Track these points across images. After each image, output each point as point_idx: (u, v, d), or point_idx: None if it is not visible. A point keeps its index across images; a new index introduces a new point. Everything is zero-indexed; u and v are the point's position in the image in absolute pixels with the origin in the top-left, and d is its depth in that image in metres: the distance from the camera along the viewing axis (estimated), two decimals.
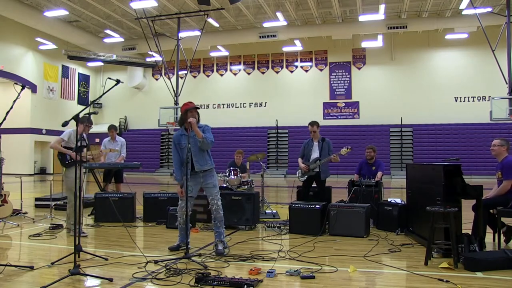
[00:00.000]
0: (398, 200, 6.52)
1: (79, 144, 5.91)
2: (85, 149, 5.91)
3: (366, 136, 22.80)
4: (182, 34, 20.67)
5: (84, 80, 28.48)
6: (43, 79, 24.86)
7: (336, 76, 25.17)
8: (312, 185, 7.05)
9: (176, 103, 20.31)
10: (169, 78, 20.40)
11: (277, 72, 26.27)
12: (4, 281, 3.74)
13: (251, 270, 3.95)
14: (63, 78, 26.51)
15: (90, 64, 26.88)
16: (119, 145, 8.43)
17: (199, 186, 5.04)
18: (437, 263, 4.34)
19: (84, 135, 6.17)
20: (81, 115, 4.36)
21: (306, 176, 6.90)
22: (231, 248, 5.04)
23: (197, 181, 4.98)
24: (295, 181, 7.34)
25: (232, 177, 7.34)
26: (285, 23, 20.79)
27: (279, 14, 19.79)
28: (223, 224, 5.01)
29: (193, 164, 4.93)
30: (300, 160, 7.07)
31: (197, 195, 5.25)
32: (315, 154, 6.87)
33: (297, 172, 7.15)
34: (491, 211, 5.15)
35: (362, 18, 20.12)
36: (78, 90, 27.87)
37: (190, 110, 4.92)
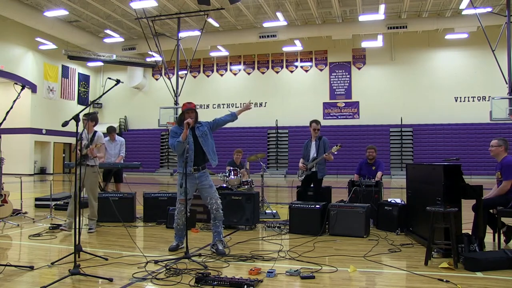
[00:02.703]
0: (398, 200, 6.53)
1: (86, 142, 6.01)
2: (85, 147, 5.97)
3: (366, 136, 22.82)
4: (182, 34, 20.67)
5: (84, 80, 28.48)
6: (43, 79, 24.86)
7: (336, 76, 25.17)
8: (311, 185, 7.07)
9: (176, 103, 20.30)
10: (169, 78, 20.39)
11: (277, 72, 26.26)
12: (4, 281, 3.74)
13: (251, 270, 3.95)
14: (63, 78, 26.51)
15: (90, 64, 26.88)
16: (118, 144, 8.52)
17: (195, 187, 5.05)
18: (437, 263, 4.34)
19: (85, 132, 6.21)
20: (81, 115, 4.37)
21: (304, 176, 6.92)
22: (231, 248, 5.04)
23: (192, 182, 4.97)
24: (294, 181, 7.35)
25: (232, 177, 7.34)
26: (285, 23, 20.78)
27: (279, 14, 19.79)
28: (222, 224, 5.05)
29: (198, 162, 4.94)
30: (301, 160, 7.10)
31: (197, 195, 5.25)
32: (312, 153, 6.89)
33: (297, 172, 7.21)
34: (491, 211, 5.15)
35: (362, 18, 20.12)
36: (78, 90, 27.86)
37: (186, 111, 4.97)
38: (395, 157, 23.20)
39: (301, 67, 25.87)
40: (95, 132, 6.29)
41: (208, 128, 5.12)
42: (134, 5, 18.07)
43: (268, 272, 3.91)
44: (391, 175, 21.54)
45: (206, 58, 26.87)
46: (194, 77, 27.28)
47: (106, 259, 4.44)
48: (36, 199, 9.16)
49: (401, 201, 6.41)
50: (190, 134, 4.94)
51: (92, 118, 6.25)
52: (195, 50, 20.92)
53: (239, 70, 26.93)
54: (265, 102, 26.02)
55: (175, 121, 19.46)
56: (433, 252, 4.56)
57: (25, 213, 7.61)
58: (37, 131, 24.18)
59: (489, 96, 19.67)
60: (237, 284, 3.52)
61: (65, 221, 6.14)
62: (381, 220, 6.35)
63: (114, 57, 24.04)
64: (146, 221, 6.96)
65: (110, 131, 8.64)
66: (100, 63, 25.91)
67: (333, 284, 3.74)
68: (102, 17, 21.90)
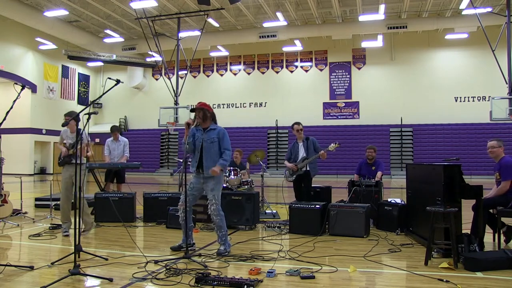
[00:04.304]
0: (398, 200, 6.53)
1: (70, 141, 5.91)
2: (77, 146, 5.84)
3: (366, 136, 22.81)
4: (182, 34, 20.67)
5: (84, 80, 28.48)
6: (43, 79, 24.87)
7: (336, 76, 25.17)
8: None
9: (176, 103, 20.31)
10: (169, 78, 20.40)
11: (277, 72, 26.27)
12: (4, 281, 3.74)
13: (251, 270, 3.95)
14: (63, 78, 26.51)
15: (90, 64, 26.88)
16: (121, 145, 8.46)
17: (201, 186, 5.02)
18: (437, 263, 4.34)
19: (85, 132, 6.14)
20: (81, 115, 4.37)
21: (295, 176, 6.92)
22: (231, 248, 5.03)
23: (198, 181, 4.98)
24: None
25: (232, 177, 7.34)
26: (285, 23, 20.78)
27: (279, 14, 19.79)
28: (222, 230, 4.82)
29: (200, 164, 4.90)
30: (286, 161, 7.10)
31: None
32: (301, 153, 6.90)
33: (284, 173, 7.17)
34: (491, 211, 5.15)
35: (362, 18, 20.11)
36: (78, 90, 27.87)
37: (195, 111, 4.95)
38: (395, 157, 23.21)
39: (301, 67, 25.87)
40: (79, 130, 6.21)
41: (219, 136, 4.95)
42: (134, 5, 18.07)
43: (268, 272, 3.91)
44: (391, 175, 21.54)
45: (206, 58, 26.87)
46: (194, 77, 27.28)
47: (106, 259, 4.44)
48: (36, 199, 9.16)
49: (401, 201, 6.41)
50: (200, 135, 4.94)
51: (77, 118, 6.12)
52: (195, 50, 20.92)
53: (239, 70, 26.93)
54: (265, 102, 26.03)
55: (175, 122, 19.65)
56: (433, 252, 4.56)
57: (25, 213, 7.61)
58: (37, 131, 24.19)
59: (489, 96, 19.65)
60: (237, 284, 3.52)
61: (63, 226, 5.98)
62: (381, 220, 6.35)
63: (114, 57, 24.04)
64: (146, 221, 6.96)
65: (114, 130, 8.50)
66: (100, 63, 25.91)
67: (333, 284, 3.75)
68: (102, 17, 21.90)
